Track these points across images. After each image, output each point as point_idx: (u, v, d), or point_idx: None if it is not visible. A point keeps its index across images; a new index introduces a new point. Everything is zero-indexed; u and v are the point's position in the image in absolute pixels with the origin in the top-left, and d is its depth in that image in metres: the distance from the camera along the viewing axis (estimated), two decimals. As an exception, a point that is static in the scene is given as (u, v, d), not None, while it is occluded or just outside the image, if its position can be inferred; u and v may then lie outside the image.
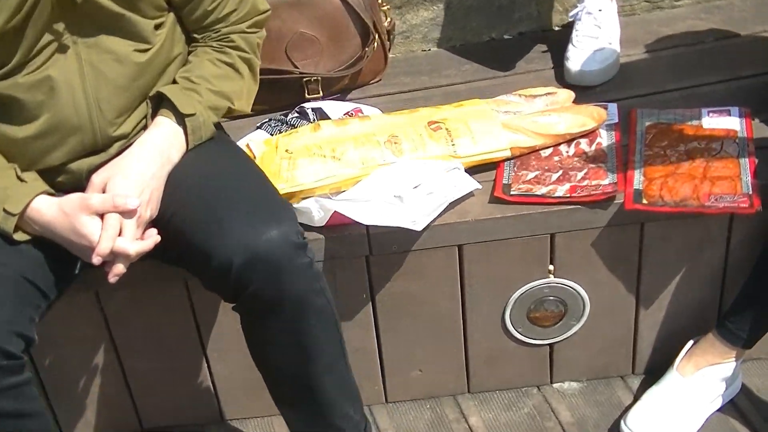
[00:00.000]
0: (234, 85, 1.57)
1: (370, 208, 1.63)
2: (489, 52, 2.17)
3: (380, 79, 2.09)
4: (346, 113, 1.84)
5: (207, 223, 1.42)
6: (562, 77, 2.01)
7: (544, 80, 2.02)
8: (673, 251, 1.75)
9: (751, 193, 1.64)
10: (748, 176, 1.68)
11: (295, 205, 1.66)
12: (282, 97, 1.99)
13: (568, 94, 1.89)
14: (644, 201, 1.66)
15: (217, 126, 1.58)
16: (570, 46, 2.00)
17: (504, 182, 1.73)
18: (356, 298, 1.78)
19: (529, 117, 1.79)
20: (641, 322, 1.84)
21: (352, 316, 1.80)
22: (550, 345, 1.87)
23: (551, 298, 1.79)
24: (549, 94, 1.86)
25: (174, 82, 1.55)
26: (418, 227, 1.61)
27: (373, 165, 1.69)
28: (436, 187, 1.65)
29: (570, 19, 2.06)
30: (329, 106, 1.86)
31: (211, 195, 1.46)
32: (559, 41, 2.08)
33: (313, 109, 1.86)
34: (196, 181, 1.49)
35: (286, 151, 1.67)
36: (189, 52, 1.59)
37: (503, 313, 1.81)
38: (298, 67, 1.97)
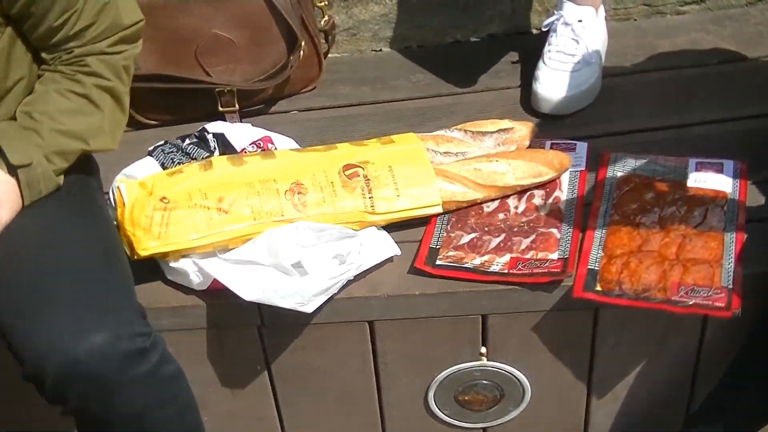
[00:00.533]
0: (89, 121, 1.26)
1: (255, 279, 1.32)
2: (449, 58, 1.83)
3: (314, 87, 1.76)
4: (253, 143, 1.52)
5: (22, 314, 1.13)
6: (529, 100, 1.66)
7: (507, 102, 1.69)
8: (632, 339, 1.44)
9: (731, 286, 1.31)
10: (731, 261, 1.35)
11: (171, 264, 1.36)
12: (191, 108, 1.67)
13: (528, 130, 1.55)
14: (598, 288, 1.33)
15: (75, 164, 1.27)
16: (540, 64, 1.66)
17: (431, 245, 1.41)
18: (250, 367, 1.49)
19: (473, 162, 1.46)
20: (593, 413, 1.54)
21: (246, 384, 1.51)
22: (484, 429, 1.57)
23: (484, 382, 1.49)
24: (502, 131, 1.53)
25: (14, 116, 1.24)
26: (308, 309, 1.31)
27: (266, 221, 1.37)
28: (343, 251, 1.34)
29: (544, 29, 1.71)
30: (234, 131, 1.54)
31: (35, 276, 1.16)
32: (536, 49, 1.73)
33: (214, 135, 1.54)
34: (23, 254, 1.19)
35: (162, 199, 1.36)
36: (38, 76, 1.28)
37: (426, 394, 1.51)
38: (210, 75, 1.64)
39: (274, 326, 1.41)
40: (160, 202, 1.36)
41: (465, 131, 1.51)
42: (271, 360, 1.47)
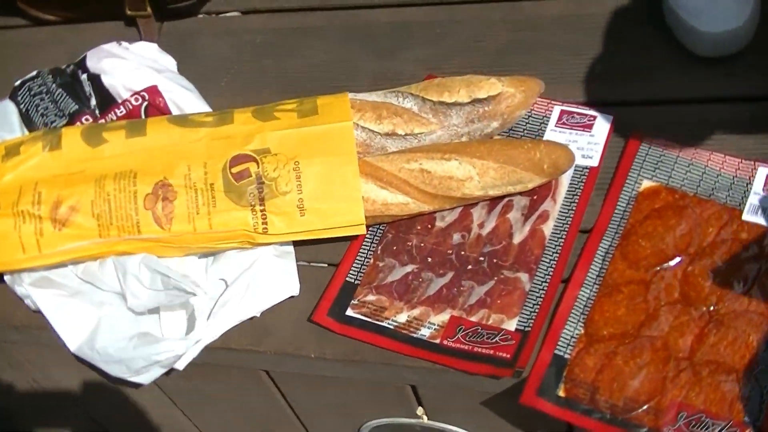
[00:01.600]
0: None
1: (89, 323, 0.98)
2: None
3: (268, -26, 1.27)
4: (136, 93, 1.10)
5: None
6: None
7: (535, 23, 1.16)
8: None
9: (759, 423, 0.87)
10: (770, 376, 0.89)
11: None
12: (95, 10, 1.24)
13: (523, 95, 1.05)
14: (559, 392, 0.91)
15: None
16: None
17: (348, 279, 1.01)
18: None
19: (420, 158, 1.00)
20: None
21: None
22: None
23: (429, 435, 1.13)
24: (478, 101, 1.04)
25: None
26: (143, 380, 0.96)
27: (115, 240, 0.99)
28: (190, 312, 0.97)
29: None
30: (118, 72, 1.12)
31: None
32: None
33: (90, 77, 1.12)
34: None
35: None
36: None
37: (359, 433, 1.17)
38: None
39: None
40: None
41: (424, 99, 1.04)
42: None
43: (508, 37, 1.13)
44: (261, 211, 0.98)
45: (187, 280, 0.94)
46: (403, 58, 1.14)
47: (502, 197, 1.03)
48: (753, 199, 0.98)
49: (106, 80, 1.10)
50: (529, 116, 1.07)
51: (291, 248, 1.02)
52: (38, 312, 1.01)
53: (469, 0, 1.18)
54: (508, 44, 1.12)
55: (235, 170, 0.99)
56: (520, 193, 1.02)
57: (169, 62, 1.14)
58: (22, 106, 1.12)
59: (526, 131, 1.07)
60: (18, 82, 1.14)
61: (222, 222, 0.98)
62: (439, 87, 1.04)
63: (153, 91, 1.09)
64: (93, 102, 1.11)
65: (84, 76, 1.12)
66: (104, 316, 0.98)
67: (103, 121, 1.10)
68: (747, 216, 0.97)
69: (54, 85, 1.12)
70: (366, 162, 1.00)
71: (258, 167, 0.99)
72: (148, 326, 0.97)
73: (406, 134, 1.03)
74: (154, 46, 1.15)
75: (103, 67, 1.11)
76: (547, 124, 1.07)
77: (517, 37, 1.13)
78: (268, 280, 0.99)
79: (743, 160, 1.01)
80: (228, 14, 1.25)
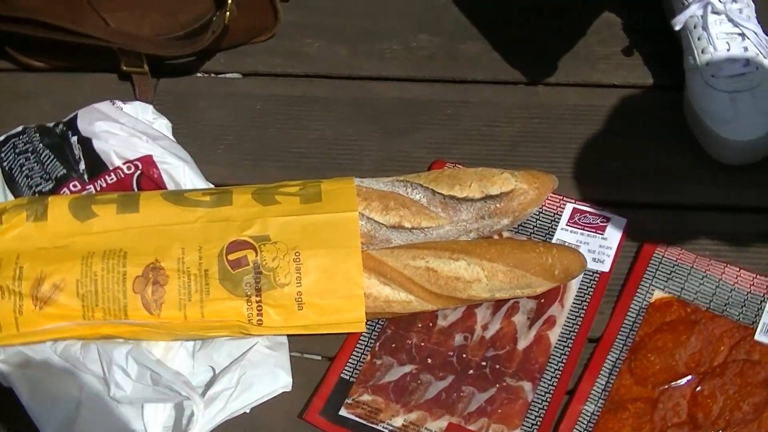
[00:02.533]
0: None
1: (66, 403, 0.93)
2: (478, 9, 1.23)
3: (272, 36, 1.22)
4: (128, 162, 1.05)
5: None
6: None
7: (562, 112, 1.12)
8: None
9: None
10: None
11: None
12: (90, 55, 1.19)
13: (536, 192, 1.01)
14: None
15: None
16: (704, 90, 1.05)
17: (343, 375, 0.96)
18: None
19: (427, 256, 0.96)
20: None
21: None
22: None
23: None
24: (490, 198, 0.99)
25: None
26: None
27: (100, 324, 0.94)
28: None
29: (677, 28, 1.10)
30: (111, 138, 1.06)
31: None
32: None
33: (81, 139, 1.07)
34: None
35: None
36: None
37: None
38: (108, 24, 1.14)
39: None
40: None
41: (434, 192, 0.99)
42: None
43: (521, 125, 1.09)
44: (257, 302, 0.94)
45: (179, 381, 0.89)
46: (412, 139, 1.10)
47: (508, 299, 0.98)
48: (766, 319, 0.95)
49: (98, 145, 1.05)
50: (540, 213, 1.04)
51: (285, 339, 0.97)
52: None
53: (483, 80, 1.13)
54: (521, 133, 1.09)
55: (232, 257, 0.94)
56: (527, 296, 0.98)
57: (165, 126, 1.09)
58: (5, 163, 1.07)
59: (536, 228, 1.03)
60: (2, 138, 1.08)
61: (215, 311, 0.93)
62: (450, 179, 1.00)
63: (147, 161, 1.04)
64: (82, 166, 1.05)
65: (74, 139, 1.06)
66: (84, 403, 0.92)
67: (91, 188, 1.04)
68: (760, 336, 0.94)
69: (41, 145, 1.07)
70: (370, 256, 0.96)
71: (256, 256, 0.94)
72: (130, 417, 0.92)
73: (412, 227, 0.98)
74: (149, 107, 1.10)
75: (95, 131, 1.06)
76: (558, 222, 1.03)
77: (531, 125, 1.09)
78: (260, 373, 0.94)
79: (758, 276, 0.98)
80: (227, 75, 1.20)
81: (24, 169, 1.06)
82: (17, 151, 1.07)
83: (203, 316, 0.94)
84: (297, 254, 0.94)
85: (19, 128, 1.09)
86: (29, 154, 1.07)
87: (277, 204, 0.98)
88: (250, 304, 0.93)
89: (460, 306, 0.98)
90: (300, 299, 0.94)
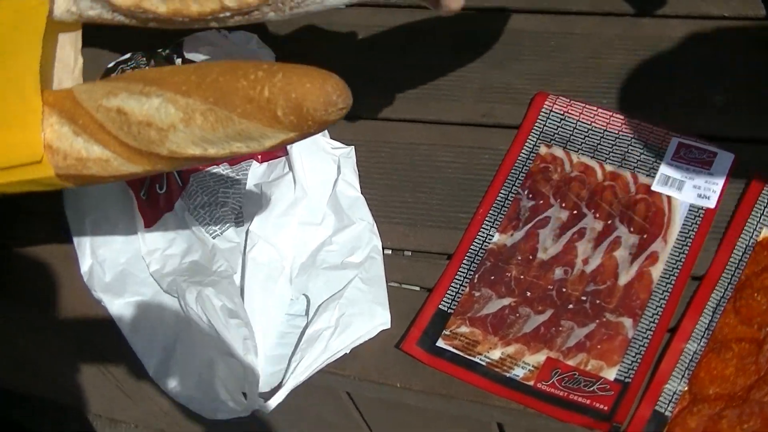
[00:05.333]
0: None
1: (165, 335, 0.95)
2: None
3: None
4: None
5: None
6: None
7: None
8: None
9: None
10: None
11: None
12: None
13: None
14: (658, 451, 0.87)
15: None
16: None
17: (441, 307, 0.96)
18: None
19: (122, 87, 0.70)
20: None
21: None
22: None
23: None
24: None
25: None
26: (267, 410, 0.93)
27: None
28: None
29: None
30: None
31: None
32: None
33: (185, 63, 1.08)
34: None
35: None
36: None
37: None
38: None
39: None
40: None
41: None
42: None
43: (625, 57, 1.06)
44: None
45: (239, 336, 0.89)
46: (513, 70, 1.07)
47: (609, 231, 0.97)
48: None
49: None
50: (644, 146, 1.01)
51: (381, 271, 0.97)
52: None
53: (586, 12, 1.10)
54: (625, 64, 1.06)
55: None
56: (629, 230, 0.96)
57: (268, 55, 1.09)
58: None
59: (639, 162, 1.01)
60: (111, 64, 1.10)
61: None
62: None
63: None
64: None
65: (179, 61, 1.07)
66: (180, 338, 0.94)
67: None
68: None
69: (147, 68, 1.08)
70: (66, 93, 0.71)
71: None
72: (227, 352, 0.92)
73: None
74: (254, 37, 1.10)
75: (200, 57, 1.07)
76: (662, 157, 1.00)
77: (635, 57, 1.06)
78: (358, 312, 0.94)
79: None
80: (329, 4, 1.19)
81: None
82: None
83: None
84: None
85: (127, 55, 1.10)
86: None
87: None
88: None
89: (173, 170, 0.82)
90: None
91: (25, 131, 0.70)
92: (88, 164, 0.71)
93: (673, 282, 0.94)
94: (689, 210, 0.97)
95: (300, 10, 0.72)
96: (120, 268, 1.00)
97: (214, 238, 0.97)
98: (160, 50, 1.10)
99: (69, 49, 0.76)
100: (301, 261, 0.98)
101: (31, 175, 0.71)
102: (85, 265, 1.00)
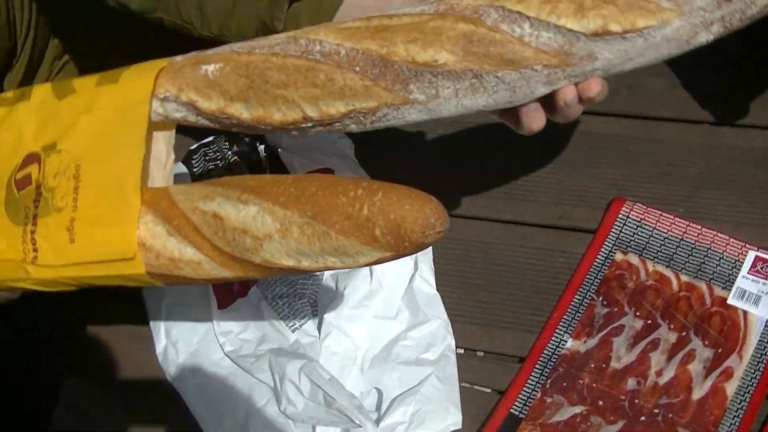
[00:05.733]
0: None
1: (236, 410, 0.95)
2: None
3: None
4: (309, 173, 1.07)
5: None
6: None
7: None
8: None
9: None
10: None
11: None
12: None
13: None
14: None
15: None
16: None
17: (512, 411, 0.96)
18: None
19: (220, 192, 0.71)
20: None
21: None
22: None
23: None
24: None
25: None
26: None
27: None
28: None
29: None
30: (296, 149, 1.09)
31: None
32: None
33: (267, 149, 1.11)
34: None
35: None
36: None
37: None
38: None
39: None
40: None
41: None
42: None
43: (705, 166, 1.07)
44: (32, 232, 0.74)
45: (353, 405, 0.90)
46: (591, 173, 1.08)
47: (683, 343, 0.96)
48: None
49: (284, 155, 1.08)
50: (720, 258, 1.01)
51: (455, 370, 0.97)
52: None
53: (667, 118, 1.11)
54: (704, 173, 1.06)
55: (20, 175, 0.75)
56: (704, 344, 0.96)
57: (348, 145, 1.11)
58: (195, 169, 1.11)
59: (715, 274, 1.00)
60: (194, 146, 1.12)
61: None
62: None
63: (327, 173, 1.06)
64: (268, 171, 1.09)
65: (262, 147, 1.10)
66: (252, 413, 0.95)
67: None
68: None
69: (230, 152, 1.11)
70: (163, 192, 0.72)
71: (39, 172, 0.74)
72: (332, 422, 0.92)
73: (625, 31, 0.67)
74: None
75: (282, 143, 1.09)
76: (739, 270, 1.00)
77: (714, 166, 1.07)
78: (432, 409, 0.94)
79: None
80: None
81: (213, 174, 1.10)
82: (207, 158, 1.11)
83: None
84: (77, 168, 0.73)
85: (210, 138, 1.13)
86: (218, 161, 1.11)
87: (72, 93, 0.76)
88: (25, 235, 0.74)
89: (262, 277, 0.77)
90: (72, 227, 0.72)
91: (122, 228, 0.71)
92: (180, 265, 0.72)
93: (747, 399, 0.93)
94: (766, 326, 0.97)
95: (381, 124, 0.73)
96: (193, 348, 1.01)
97: (293, 331, 0.98)
98: (241, 135, 1.12)
99: (162, 145, 0.78)
100: (374, 353, 0.98)
101: (123, 271, 0.72)
102: (159, 346, 1.02)
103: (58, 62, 1.10)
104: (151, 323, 1.03)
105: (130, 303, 1.05)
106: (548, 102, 0.73)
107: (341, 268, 0.68)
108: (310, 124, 0.73)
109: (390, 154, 1.11)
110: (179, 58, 0.76)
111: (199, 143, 1.12)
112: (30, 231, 0.73)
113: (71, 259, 0.72)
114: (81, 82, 0.77)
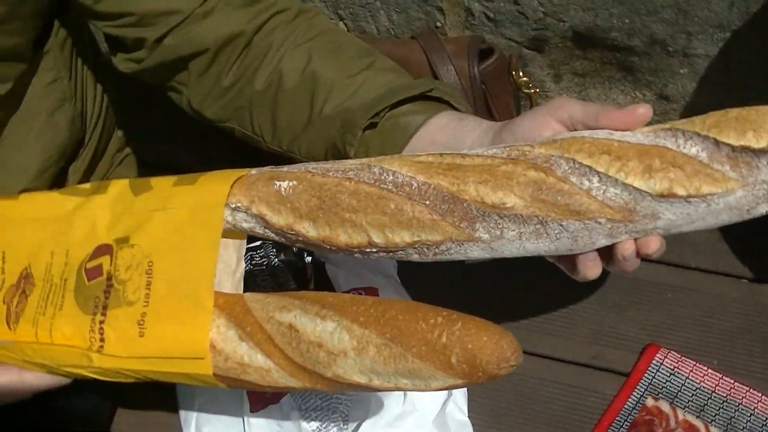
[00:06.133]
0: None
1: None
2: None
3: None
4: (353, 290, 1.09)
5: None
6: None
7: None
8: None
9: None
10: None
11: None
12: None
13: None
14: None
15: None
16: None
17: None
18: None
19: (297, 305, 0.75)
20: None
21: None
22: None
23: None
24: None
25: None
26: None
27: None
28: None
29: None
30: (342, 264, 1.11)
31: None
32: None
33: (313, 261, 1.13)
34: None
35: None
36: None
37: None
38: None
39: None
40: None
41: (717, 143, 0.70)
42: None
43: (741, 321, 1.08)
44: (100, 322, 0.77)
45: None
46: (628, 316, 1.10)
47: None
48: None
49: (330, 269, 1.10)
50: (751, 414, 1.02)
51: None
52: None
53: (705, 269, 1.13)
54: (740, 328, 1.08)
55: (91, 264, 0.79)
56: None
57: (392, 266, 1.13)
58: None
59: (745, 429, 1.01)
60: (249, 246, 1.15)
61: (63, 332, 0.78)
62: (739, 123, 0.70)
63: (371, 292, 1.08)
64: (311, 286, 1.11)
65: (309, 259, 1.12)
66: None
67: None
68: None
69: (276, 260, 1.13)
70: (239, 299, 0.76)
71: (110, 264, 0.78)
72: None
73: (689, 196, 0.70)
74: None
75: (329, 256, 1.11)
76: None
77: (750, 322, 1.08)
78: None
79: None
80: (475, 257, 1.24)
81: (258, 280, 1.12)
82: (253, 263, 1.13)
83: (51, 336, 0.79)
84: (150, 264, 0.76)
85: (258, 242, 1.15)
86: (263, 267, 1.13)
87: (149, 191, 0.80)
88: (93, 324, 0.77)
89: (327, 391, 0.79)
90: (143, 323, 0.75)
91: (194, 327, 0.74)
92: (248, 370, 0.74)
93: None
94: None
95: (443, 257, 0.76)
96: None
97: (322, 444, 0.99)
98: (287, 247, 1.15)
99: (233, 252, 0.80)
100: (402, 475, 0.98)
101: (189, 370, 0.75)
102: (190, 440, 1.02)
103: (120, 154, 1.14)
104: (182, 416, 1.04)
105: (163, 391, 1.06)
106: (606, 253, 0.75)
107: (411, 390, 0.71)
108: (374, 250, 0.76)
109: (433, 278, 1.13)
110: (254, 171, 0.79)
111: (247, 246, 1.14)
112: (99, 321, 0.76)
113: (139, 352, 0.75)
114: (158, 181, 0.80)
